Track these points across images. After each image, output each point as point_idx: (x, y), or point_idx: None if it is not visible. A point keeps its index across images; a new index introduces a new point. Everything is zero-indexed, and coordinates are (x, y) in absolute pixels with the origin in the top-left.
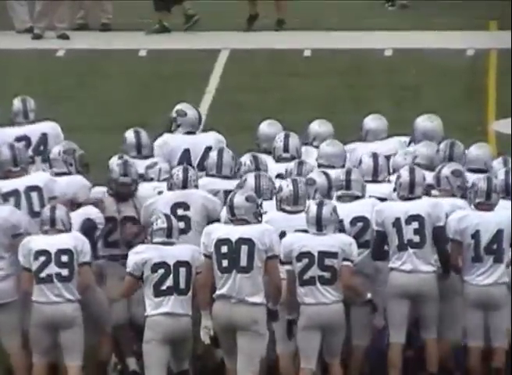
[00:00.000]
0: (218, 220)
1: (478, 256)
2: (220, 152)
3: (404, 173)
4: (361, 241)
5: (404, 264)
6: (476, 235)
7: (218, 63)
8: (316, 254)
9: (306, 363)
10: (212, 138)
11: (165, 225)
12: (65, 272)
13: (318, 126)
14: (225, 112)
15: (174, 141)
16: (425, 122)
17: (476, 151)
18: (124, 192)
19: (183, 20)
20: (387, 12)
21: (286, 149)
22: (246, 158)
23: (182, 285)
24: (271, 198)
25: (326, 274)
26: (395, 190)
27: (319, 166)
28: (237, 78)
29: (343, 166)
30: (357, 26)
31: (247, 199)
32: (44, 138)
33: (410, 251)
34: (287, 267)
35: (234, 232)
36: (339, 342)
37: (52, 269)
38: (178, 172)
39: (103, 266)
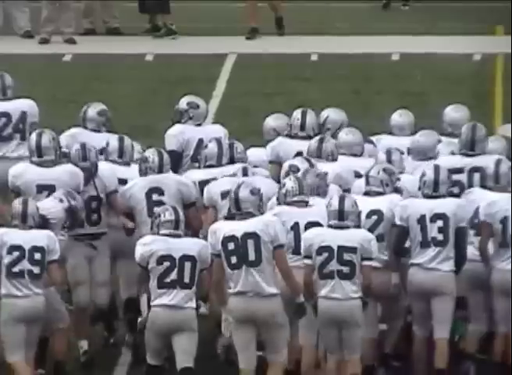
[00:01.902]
0: (193, 203)
1: (505, 242)
2: (219, 143)
3: (429, 172)
4: (375, 234)
5: (425, 261)
6: (505, 221)
7: (224, 68)
8: (336, 248)
9: (330, 356)
10: (221, 130)
11: (172, 217)
12: (36, 269)
13: (329, 113)
14: (232, 116)
15: (189, 131)
16: (452, 111)
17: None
18: (85, 176)
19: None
20: (394, 17)
21: (302, 128)
22: (222, 135)
23: (186, 279)
24: (318, 194)
25: (345, 269)
26: (419, 188)
27: (341, 155)
28: (244, 83)
29: (362, 154)
30: (363, 31)
31: (252, 192)
32: (23, 116)
33: (433, 248)
34: (306, 261)
35: (239, 228)
36: (356, 338)
37: (25, 265)
38: (153, 156)
39: (67, 245)
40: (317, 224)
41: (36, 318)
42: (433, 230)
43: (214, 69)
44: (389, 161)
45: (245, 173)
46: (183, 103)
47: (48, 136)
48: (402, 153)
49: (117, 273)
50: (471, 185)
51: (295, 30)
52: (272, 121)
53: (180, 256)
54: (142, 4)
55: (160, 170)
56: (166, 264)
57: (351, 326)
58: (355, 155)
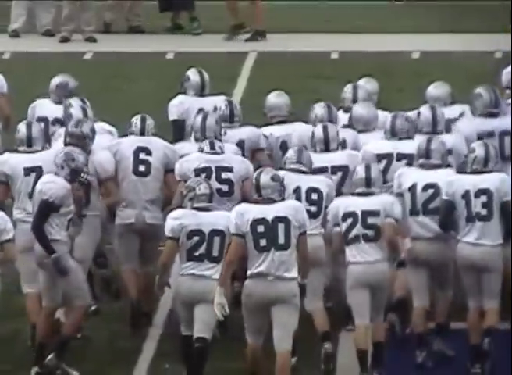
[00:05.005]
0: (173, 170)
1: None
2: (229, 104)
3: (479, 148)
4: (431, 207)
5: (470, 236)
6: None
7: (245, 66)
8: (359, 213)
9: (360, 320)
10: (220, 100)
11: (208, 191)
12: None
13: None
14: (252, 114)
15: (188, 102)
16: None
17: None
18: (75, 144)
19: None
20: (414, 15)
21: (354, 100)
22: (221, 103)
23: (215, 253)
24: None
25: (370, 232)
26: (464, 163)
27: (357, 131)
28: (264, 81)
29: (375, 129)
30: (384, 29)
31: (273, 178)
32: None
33: (477, 223)
34: (335, 229)
35: (268, 211)
36: (383, 301)
37: None
38: (136, 121)
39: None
40: (318, 190)
41: None
42: (477, 205)
43: (234, 68)
44: (435, 116)
45: (212, 146)
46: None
47: (37, 126)
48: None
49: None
50: (502, 149)
51: (315, 28)
52: (274, 98)
53: (210, 231)
54: (163, 3)
55: (142, 133)
56: (196, 238)
57: (381, 289)
58: (367, 131)
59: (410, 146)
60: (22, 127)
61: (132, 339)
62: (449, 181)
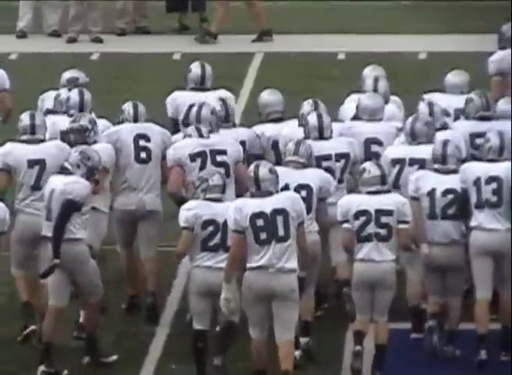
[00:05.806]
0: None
1: None
2: (200, 106)
3: (494, 138)
4: (449, 213)
5: (482, 223)
6: None
7: (252, 67)
8: (373, 212)
9: (361, 316)
10: (216, 102)
11: (221, 182)
12: None
13: (369, 71)
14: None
15: (181, 97)
16: None
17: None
18: (77, 140)
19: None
20: (421, 16)
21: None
22: (216, 104)
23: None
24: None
25: (382, 231)
26: (478, 152)
27: (361, 119)
28: (271, 81)
29: (381, 119)
30: (391, 30)
31: (270, 171)
32: None
33: (488, 210)
34: (345, 225)
35: (266, 204)
36: (388, 301)
37: None
38: (128, 107)
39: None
40: (307, 187)
41: None
42: (487, 192)
43: (241, 68)
44: (431, 112)
45: (200, 133)
46: None
47: (40, 116)
48: (448, 115)
49: None
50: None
51: (322, 28)
52: (268, 95)
53: (224, 221)
54: (170, 4)
55: (135, 119)
56: (210, 229)
57: (384, 289)
58: (377, 120)
59: (424, 151)
60: (25, 117)
61: (138, 339)
62: (462, 169)
